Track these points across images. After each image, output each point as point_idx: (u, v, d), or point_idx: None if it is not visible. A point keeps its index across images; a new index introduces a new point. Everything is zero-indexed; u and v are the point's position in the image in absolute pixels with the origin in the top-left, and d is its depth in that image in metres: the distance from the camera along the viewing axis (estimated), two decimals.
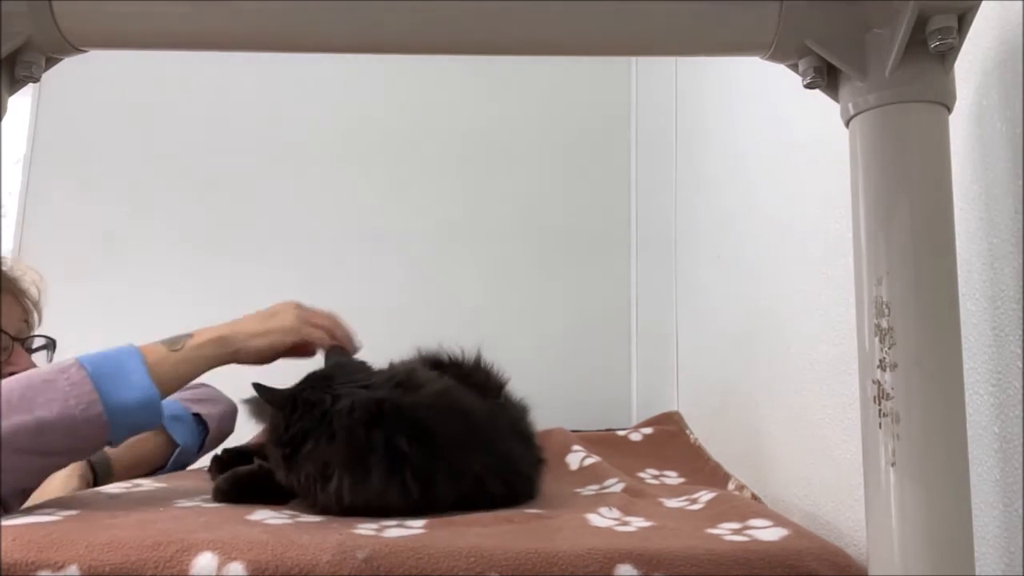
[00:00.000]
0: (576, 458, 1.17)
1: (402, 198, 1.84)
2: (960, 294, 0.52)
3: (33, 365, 1.04)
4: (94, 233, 1.79)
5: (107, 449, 1.07)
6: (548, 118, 1.88)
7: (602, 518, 0.76)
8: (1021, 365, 0.56)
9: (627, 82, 1.89)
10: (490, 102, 1.89)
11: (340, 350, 0.98)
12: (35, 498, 0.84)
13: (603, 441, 1.32)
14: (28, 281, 1.11)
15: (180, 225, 1.81)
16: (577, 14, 0.56)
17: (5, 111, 0.58)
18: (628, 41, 0.60)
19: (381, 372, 0.87)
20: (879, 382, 0.50)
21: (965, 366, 0.53)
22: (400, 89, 1.88)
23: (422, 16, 0.57)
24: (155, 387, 0.81)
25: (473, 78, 1.88)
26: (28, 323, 1.10)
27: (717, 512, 0.79)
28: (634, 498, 0.90)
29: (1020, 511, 0.55)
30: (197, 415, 1.17)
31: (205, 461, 1.12)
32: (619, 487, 0.97)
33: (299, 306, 0.97)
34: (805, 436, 0.92)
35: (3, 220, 1.80)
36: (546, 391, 1.66)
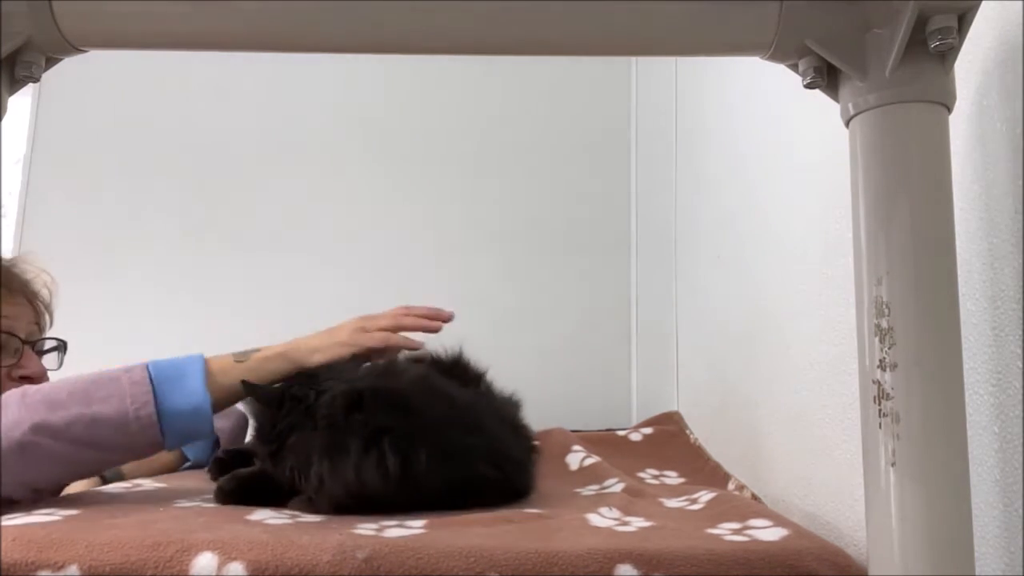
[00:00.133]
0: (576, 458, 1.17)
1: (402, 198, 1.84)
2: (960, 294, 0.52)
3: (44, 367, 1.05)
4: (94, 233, 1.79)
5: None
6: (548, 118, 1.88)
7: (602, 518, 0.76)
8: (1021, 365, 0.56)
9: (627, 82, 1.89)
10: (490, 102, 1.89)
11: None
12: None
13: (603, 441, 1.32)
14: (39, 283, 1.12)
15: (180, 225, 1.81)
16: (577, 14, 0.56)
17: (5, 111, 0.58)
18: (628, 41, 0.60)
19: (365, 367, 0.90)
20: (879, 382, 0.50)
21: (965, 366, 0.53)
22: (400, 89, 1.88)
23: (422, 16, 0.57)
24: (208, 396, 0.83)
25: (473, 78, 1.88)
26: (39, 325, 1.10)
27: (717, 512, 0.79)
28: (634, 498, 0.90)
29: (1020, 511, 0.55)
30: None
31: None
32: (619, 487, 0.97)
33: (362, 318, 1.00)
34: (805, 436, 0.92)
35: (3, 220, 1.80)
36: (546, 391, 1.67)
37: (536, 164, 1.86)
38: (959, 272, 0.52)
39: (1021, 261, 0.56)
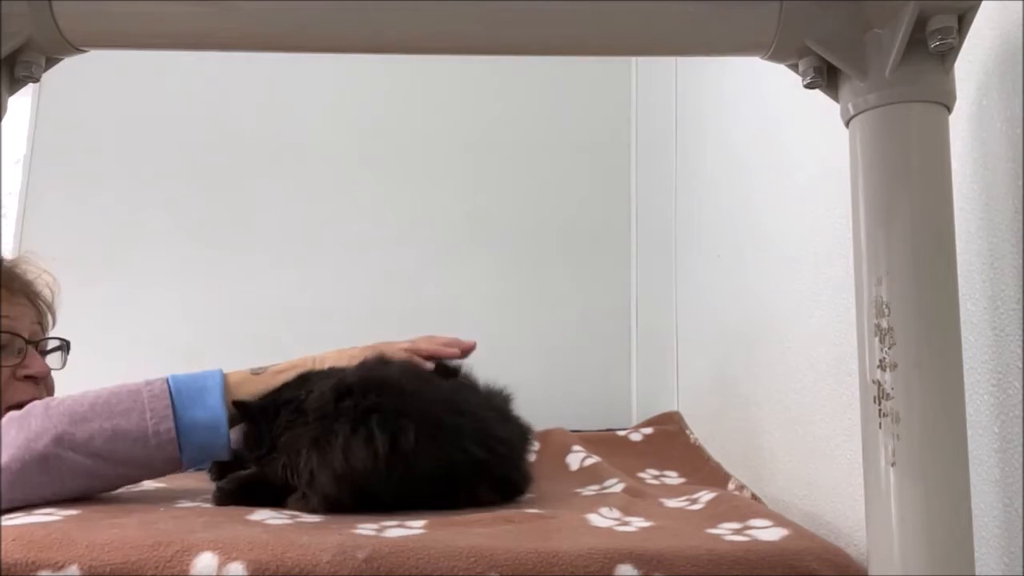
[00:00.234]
0: (576, 458, 1.17)
1: (402, 198, 1.84)
2: (960, 294, 0.52)
3: (47, 367, 1.05)
4: (94, 233, 1.79)
5: None
6: (548, 118, 1.88)
7: (602, 518, 0.76)
8: (1021, 365, 0.56)
9: (627, 82, 1.89)
10: (489, 102, 1.89)
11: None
12: None
13: (603, 441, 1.32)
14: (41, 283, 1.12)
15: (180, 225, 1.81)
16: (577, 14, 0.56)
17: (5, 111, 0.58)
18: (628, 41, 0.60)
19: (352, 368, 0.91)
20: (879, 382, 0.50)
21: (965, 366, 0.53)
22: (400, 89, 1.88)
23: (422, 16, 0.57)
24: (225, 411, 0.84)
25: (472, 78, 1.88)
26: (42, 325, 1.10)
27: (717, 512, 0.79)
28: (634, 498, 0.90)
29: (1020, 511, 0.55)
30: None
31: None
32: (619, 487, 0.97)
33: (386, 344, 0.99)
34: (805, 436, 0.92)
35: (3, 220, 1.80)
36: (546, 391, 1.68)
37: (536, 164, 1.86)
38: (959, 272, 0.52)
39: (1021, 261, 0.56)
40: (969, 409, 0.54)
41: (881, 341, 0.50)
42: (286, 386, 0.89)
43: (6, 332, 1.00)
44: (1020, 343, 0.56)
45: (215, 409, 0.83)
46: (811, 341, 0.91)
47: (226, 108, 1.86)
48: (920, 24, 0.51)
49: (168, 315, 1.74)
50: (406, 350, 0.97)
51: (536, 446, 1.24)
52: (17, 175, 1.81)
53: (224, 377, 0.87)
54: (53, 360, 1.08)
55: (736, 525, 0.72)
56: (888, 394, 0.50)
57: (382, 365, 0.90)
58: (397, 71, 1.87)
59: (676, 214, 1.60)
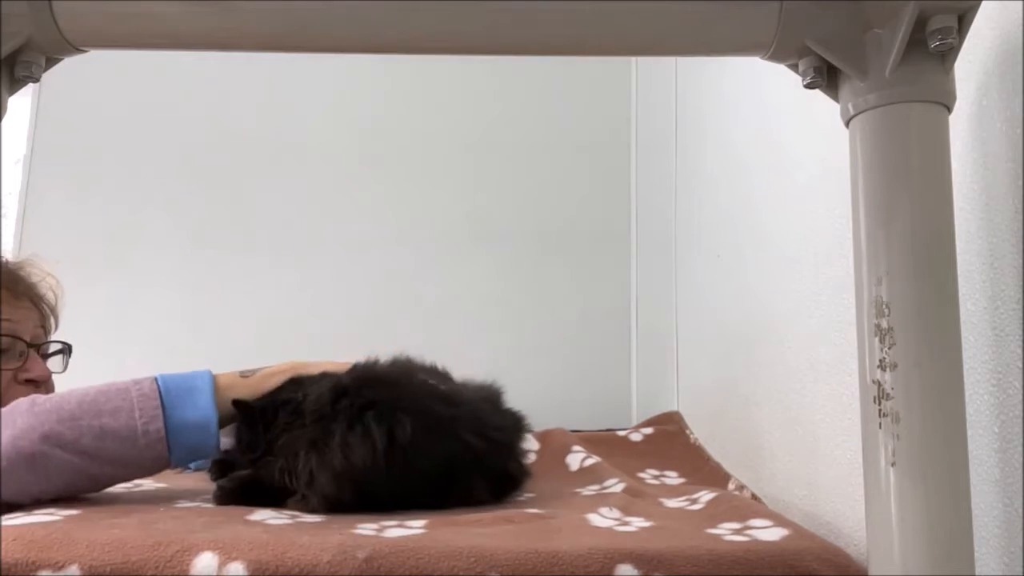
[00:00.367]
0: (576, 458, 1.17)
1: (402, 198, 1.84)
2: (960, 294, 0.52)
3: (48, 371, 1.04)
4: (94, 233, 1.79)
5: None
6: (548, 118, 1.88)
7: (602, 518, 0.76)
8: (1021, 365, 0.56)
9: (627, 82, 1.89)
10: (489, 102, 1.89)
11: None
12: None
13: (603, 441, 1.32)
14: (45, 286, 1.11)
15: (180, 225, 1.81)
16: (577, 14, 0.56)
17: (5, 111, 0.58)
18: (628, 41, 0.60)
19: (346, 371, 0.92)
20: (879, 382, 0.50)
21: (965, 366, 0.53)
22: (399, 89, 1.88)
23: (422, 16, 0.57)
24: (215, 411, 0.83)
25: (472, 78, 1.88)
26: (45, 328, 1.09)
27: (717, 512, 0.79)
28: (634, 498, 0.90)
29: (1020, 511, 0.55)
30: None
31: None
32: (619, 487, 0.97)
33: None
34: (805, 436, 0.92)
35: (3, 220, 1.80)
36: (546, 391, 1.68)
37: (536, 164, 1.86)
38: (959, 272, 0.52)
39: (1021, 261, 0.56)
40: (969, 409, 0.54)
41: (881, 341, 0.50)
42: (282, 388, 0.89)
43: (7, 336, 1.00)
44: (1020, 343, 0.56)
45: (205, 409, 0.83)
46: (811, 341, 0.91)
47: (226, 108, 1.86)
48: (920, 24, 0.51)
49: (168, 315, 1.74)
50: None
51: (532, 439, 1.25)
52: (17, 175, 1.81)
53: (213, 378, 0.86)
54: (55, 363, 1.08)
55: (736, 525, 0.72)
56: (888, 394, 0.50)
57: (374, 364, 0.91)
58: (397, 71, 1.87)
59: (676, 214, 1.60)
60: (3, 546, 0.58)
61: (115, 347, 1.61)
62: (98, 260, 1.76)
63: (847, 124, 0.55)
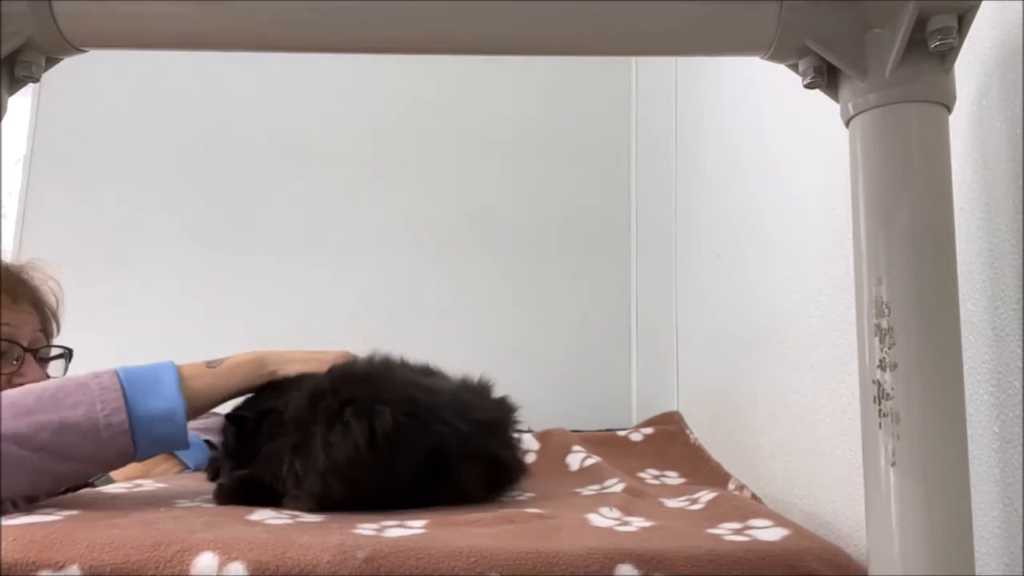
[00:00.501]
0: (576, 458, 1.17)
1: (402, 198, 1.84)
2: (960, 294, 0.52)
3: (45, 375, 1.04)
4: (94, 233, 1.79)
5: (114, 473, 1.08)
6: (548, 118, 1.88)
7: (603, 518, 0.76)
8: (1021, 365, 0.56)
9: (627, 82, 1.89)
10: (490, 102, 1.89)
11: None
12: None
13: (603, 441, 1.32)
14: (47, 290, 1.11)
15: (181, 225, 1.81)
16: (577, 14, 0.56)
17: (5, 111, 0.58)
18: (628, 41, 0.60)
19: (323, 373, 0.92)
20: (879, 382, 0.50)
21: (965, 366, 0.53)
22: (399, 89, 1.88)
23: (421, 16, 0.57)
24: (182, 401, 0.81)
25: (473, 78, 1.88)
26: (46, 332, 1.09)
27: (717, 512, 0.79)
28: (634, 498, 0.90)
29: (1020, 511, 0.55)
30: (208, 441, 1.19)
31: None
32: (619, 487, 0.97)
33: (347, 353, 0.97)
34: (805, 436, 0.92)
35: (3, 220, 1.80)
36: (546, 391, 1.68)
37: (536, 164, 1.86)
38: (959, 272, 0.52)
39: (1021, 261, 0.56)
40: (969, 409, 0.54)
41: (881, 341, 0.50)
42: (264, 396, 0.90)
43: (5, 340, 0.99)
44: (1020, 343, 0.56)
45: (170, 400, 0.80)
46: (811, 341, 0.91)
47: (226, 108, 1.86)
48: (920, 24, 0.51)
49: (168, 315, 1.75)
50: None
51: (532, 439, 1.25)
52: (17, 175, 1.81)
53: (177, 369, 0.84)
54: (55, 368, 1.08)
55: (736, 525, 0.72)
56: (888, 394, 0.50)
57: (352, 363, 0.91)
58: (397, 71, 1.87)
59: (676, 214, 1.60)
60: (3, 546, 0.58)
61: (115, 347, 1.60)
62: (98, 260, 1.76)
63: (847, 124, 0.55)
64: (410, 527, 0.69)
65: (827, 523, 0.84)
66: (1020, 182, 0.56)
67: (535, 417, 1.33)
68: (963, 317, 0.54)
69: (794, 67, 0.58)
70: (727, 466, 1.17)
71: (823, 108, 0.59)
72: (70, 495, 0.86)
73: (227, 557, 0.58)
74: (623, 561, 0.60)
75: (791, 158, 1.02)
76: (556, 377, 1.75)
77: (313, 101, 1.88)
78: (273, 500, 0.82)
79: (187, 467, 1.16)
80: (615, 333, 1.78)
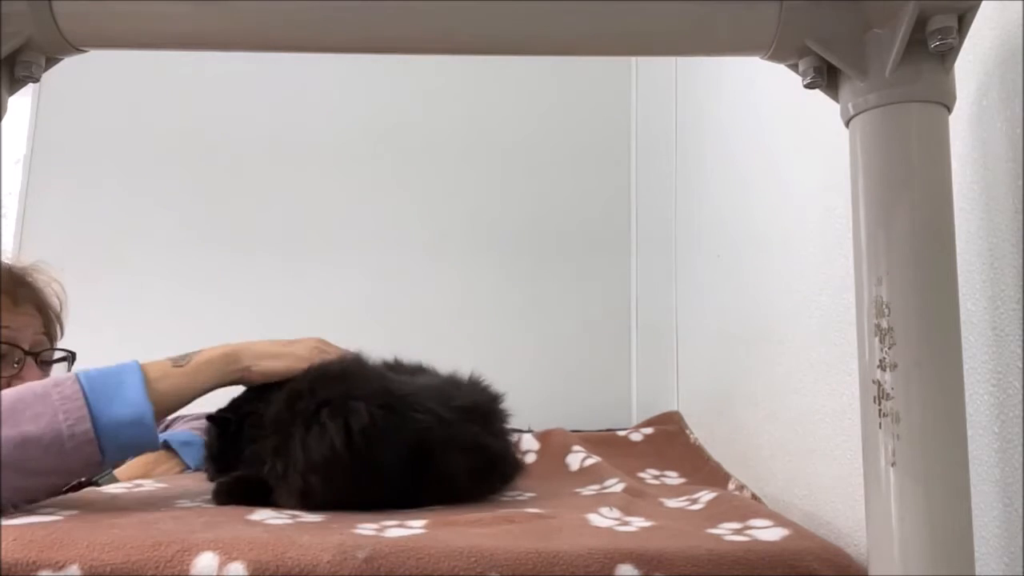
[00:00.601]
0: (576, 458, 1.17)
1: (402, 198, 1.84)
2: (960, 294, 0.52)
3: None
4: (94, 233, 1.79)
5: (118, 472, 1.08)
6: (548, 118, 1.88)
7: (603, 518, 0.76)
8: (1021, 365, 0.56)
9: (627, 82, 1.89)
10: (490, 102, 1.89)
11: None
12: None
13: (603, 441, 1.32)
14: (50, 292, 1.10)
15: (181, 225, 1.81)
16: (577, 14, 0.56)
17: (5, 111, 0.58)
18: (628, 41, 0.60)
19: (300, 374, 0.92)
20: (879, 382, 0.50)
21: (965, 366, 0.53)
22: (399, 90, 1.88)
23: (421, 16, 0.57)
24: (149, 404, 0.77)
25: (473, 78, 1.88)
26: (49, 335, 1.08)
27: (718, 512, 0.79)
28: (634, 498, 0.90)
29: (1020, 511, 0.55)
30: None
31: None
32: (619, 487, 0.97)
33: (321, 340, 0.95)
34: (805, 436, 0.92)
35: (3, 220, 1.80)
36: (546, 391, 1.68)
37: (536, 164, 1.86)
38: (959, 272, 0.52)
39: (1021, 261, 0.56)
40: (969, 409, 0.54)
41: (881, 341, 0.50)
42: (245, 400, 0.90)
43: (5, 343, 0.99)
44: (1020, 343, 0.56)
45: (137, 404, 0.77)
46: (811, 341, 0.91)
47: (226, 108, 1.86)
48: (920, 24, 0.51)
49: (168, 315, 1.74)
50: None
51: (532, 439, 1.25)
52: (17, 175, 1.81)
53: (142, 369, 0.80)
54: (57, 371, 1.07)
55: (736, 525, 0.72)
56: (888, 394, 0.50)
57: (327, 364, 0.90)
58: (397, 72, 1.87)
59: (676, 214, 1.60)
60: (3, 546, 0.58)
61: (115, 347, 1.60)
62: (98, 260, 1.76)
63: (847, 124, 0.55)
64: (410, 527, 0.69)
65: (827, 523, 0.84)
66: (1020, 182, 0.56)
67: (535, 417, 1.33)
68: (963, 317, 0.54)
69: (794, 67, 0.58)
70: (727, 466, 1.17)
71: (823, 108, 0.59)
72: (70, 495, 0.86)
73: (227, 557, 0.58)
74: (623, 561, 0.60)
75: (791, 158, 1.02)
76: (556, 377, 1.75)
77: (313, 102, 1.88)
78: (271, 499, 0.82)
79: (188, 467, 1.16)
80: (615, 333, 1.78)
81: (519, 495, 0.95)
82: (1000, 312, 0.58)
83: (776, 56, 0.57)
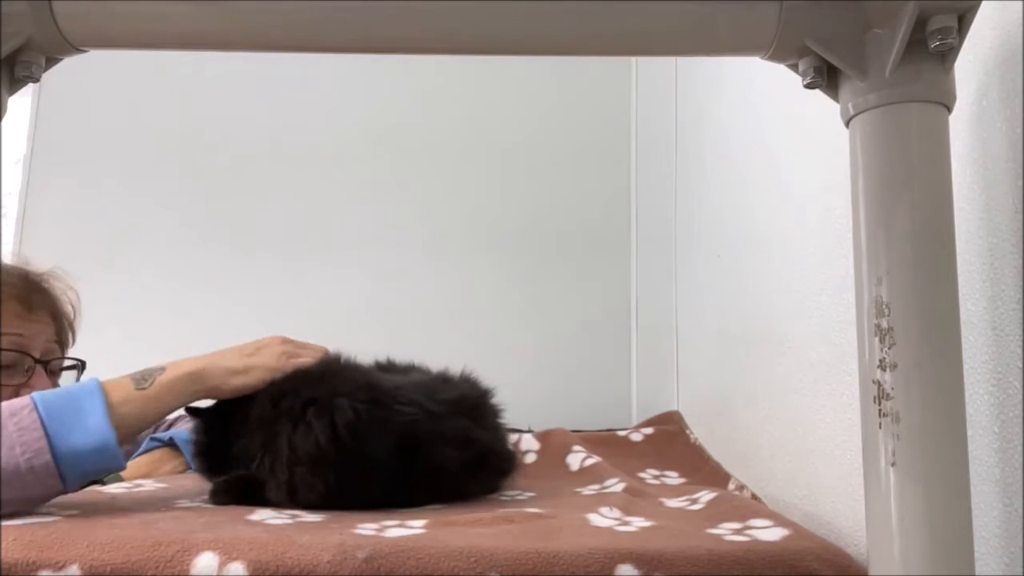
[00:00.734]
0: (577, 458, 1.17)
1: (402, 198, 1.84)
2: (960, 294, 0.52)
3: (53, 387, 1.02)
4: (94, 233, 1.79)
5: (123, 472, 1.08)
6: (548, 119, 1.88)
7: (603, 518, 0.76)
8: (1021, 365, 0.56)
9: (627, 82, 1.89)
10: (490, 102, 1.89)
11: None
12: None
13: (603, 441, 1.32)
14: (66, 300, 1.09)
15: (181, 225, 1.81)
16: (577, 14, 0.56)
17: (5, 111, 0.58)
18: (628, 41, 0.60)
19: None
20: (879, 382, 0.50)
21: (965, 366, 0.53)
22: (399, 90, 1.88)
23: (421, 16, 0.57)
24: (112, 431, 0.74)
25: (473, 78, 1.88)
26: (61, 342, 1.07)
27: (718, 512, 0.79)
28: (635, 498, 0.90)
29: (1020, 511, 0.55)
30: None
31: None
32: (620, 487, 0.97)
33: (285, 341, 0.91)
34: (805, 436, 0.92)
35: (3, 220, 1.80)
36: (546, 391, 1.68)
37: (536, 164, 1.86)
38: (959, 272, 0.52)
39: (1021, 261, 0.56)
40: (969, 409, 0.54)
41: (881, 341, 0.50)
42: (226, 401, 0.89)
43: (15, 351, 0.99)
44: (1020, 343, 0.56)
45: (99, 432, 0.73)
46: (811, 341, 0.91)
47: (226, 108, 1.86)
48: (920, 24, 0.51)
49: (168, 315, 1.74)
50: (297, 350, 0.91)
51: (532, 439, 1.25)
52: (17, 175, 1.81)
53: (104, 392, 0.76)
54: (67, 380, 1.07)
55: (736, 525, 0.72)
56: (888, 394, 0.50)
57: (308, 367, 0.89)
58: (397, 72, 1.87)
59: (676, 214, 1.60)
60: (3, 546, 0.58)
61: (115, 347, 1.61)
62: (98, 260, 1.76)
63: (847, 124, 0.55)
64: (410, 527, 0.69)
65: (827, 523, 0.84)
66: (1020, 182, 0.56)
67: (535, 417, 1.34)
68: (963, 317, 0.54)
69: (794, 67, 0.58)
70: (727, 466, 1.17)
71: (823, 108, 0.59)
72: (71, 495, 0.86)
73: (227, 557, 0.58)
74: (623, 561, 0.60)
75: (791, 158, 1.02)
76: (556, 377, 1.75)
77: (313, 102, 1.88)
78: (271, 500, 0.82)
79: (191, 467, 1.16)
80: (615, 333, 1.78)
81: (519, 495, 0.96)
82: (1000, 312, 0.58)
83: (776, 56, 0.57)
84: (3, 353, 0.98)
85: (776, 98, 1.07)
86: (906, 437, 0.49)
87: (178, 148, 1.84)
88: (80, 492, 0.90)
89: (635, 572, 0.59)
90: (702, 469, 1.20)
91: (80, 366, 1.08)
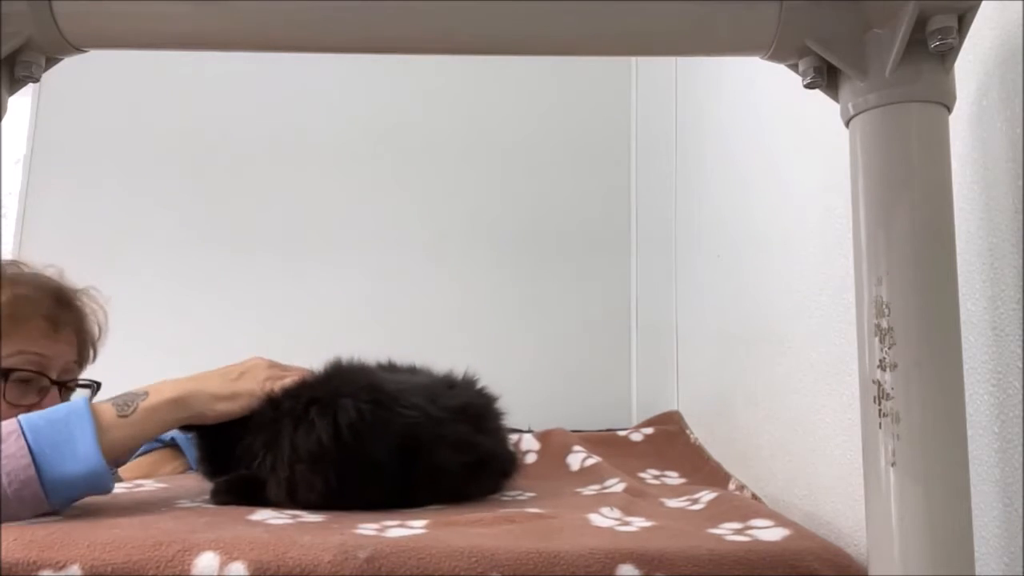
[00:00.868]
0: (577, 458, 1.17)
1: (402, 198, 1.84)
2: (960, 294, 0.52)
3: None
4: (94, 233, 1.79)
5: (122, 471, 1.08)
6: (548, 119, 1.88)
7: (603, 518, 0.76)
8: (1021, 365, 0.56)
9: (627, 82, 1.89)
10: (490, 103, 1.89)
11: None
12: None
13: (604, 441, 1.32)
14: (93, 320, 1.08)
15: (181, 225, 1.81)
16: (577, 14, 0.56)
17: (5, 111, 0.58)
18: (628, 41, 0.60)
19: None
20: (879, 382, 0.51)
21: (965, 366, 0.53)
22: (399, 90, 1.88)
23: (421, 16, 0.57)
24: (101, 457, 0.73)
25: (473, 78, 1.88)
26: (81, 359, 1.07)
27: (718, 512, 0.79)
28: (635, 498, 0.90)
29: (1020, 511, 0.55)
30: None
31: None
32: (620, 487, 0.97)
33: (271, 365, 0.90)
34: (805, 436, 0.92)
35: (3, 220, 1.80)
36: (546, 391, 1.68)
37: (536, 164, 1.86)
38: (959, 272, 0.52)
39: (1021, 261, 0.56)
40: (969, 409, 0.54)
41: (881, 341, 0.50)
42: None
43: (35, 372, 0.98)
44: (1020, 343, 0.56)
45: (89, 459, 0.72)
46: (811, 341, 0.91)
47: (226, 108, 1.86)
48: (920, 24, 0.51)
49: (168, 315, 1.74)
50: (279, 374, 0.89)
51: (532, 439, 1.25)
52: (17, 175, 1.81)
53: (93, 418, 0.74)
54: (78, 397, 1.06)
55: (737, 525, 0.72)
56: (888, 394, 0.50)
57: (311, 373, 0.90)
58: (397, 72, 1.87)
59: (676, 214, 1.60)
60: (3, 546, 0.58)
61: (115, 347, 1.61)
62: (98, 260, 1.76)
63: (847, 124, 0.55)
64: (411, 527, 0.69)
65: (827, 523, 0.84)
66: (1020, 182, 0.56)
67: (535, 417, 1.34)
68: (963, 317, 0.54)
69: (794, 67, 0.58)
70: (727, 466, 1.17)
71: (823, 108, 0.59)
72: None
73: (228, 557, 0.58)
74: (624, 561, 0.60)
75: (791, 158, 1.02)
76: (556, 377, 1.75)
77: (313, 102, 1.88)
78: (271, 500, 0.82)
79: (192, 467, 1.16)
80: (615, 333, 1.78)
81: (520, 495, 0.96)
82: (1000, 312, 0.58)
83: (776, 56, 0.57)
84: (20, 372, 0.97)
85: (776, 98, 1.07)
86: (906, 437, 0.49)
87: (178, 148, 1.84)
88: None
89: (636, 572, 0.59)
90: (702, 469, 1.20)
91: (95, 387, 1.07)
